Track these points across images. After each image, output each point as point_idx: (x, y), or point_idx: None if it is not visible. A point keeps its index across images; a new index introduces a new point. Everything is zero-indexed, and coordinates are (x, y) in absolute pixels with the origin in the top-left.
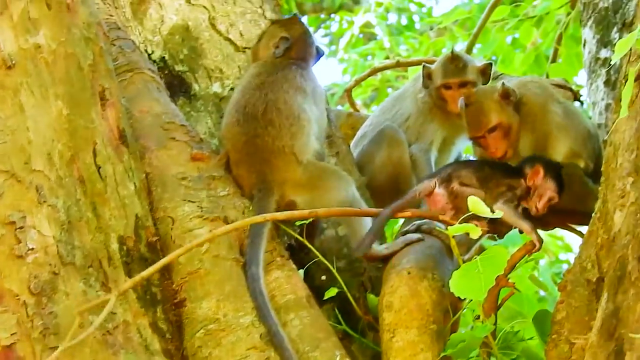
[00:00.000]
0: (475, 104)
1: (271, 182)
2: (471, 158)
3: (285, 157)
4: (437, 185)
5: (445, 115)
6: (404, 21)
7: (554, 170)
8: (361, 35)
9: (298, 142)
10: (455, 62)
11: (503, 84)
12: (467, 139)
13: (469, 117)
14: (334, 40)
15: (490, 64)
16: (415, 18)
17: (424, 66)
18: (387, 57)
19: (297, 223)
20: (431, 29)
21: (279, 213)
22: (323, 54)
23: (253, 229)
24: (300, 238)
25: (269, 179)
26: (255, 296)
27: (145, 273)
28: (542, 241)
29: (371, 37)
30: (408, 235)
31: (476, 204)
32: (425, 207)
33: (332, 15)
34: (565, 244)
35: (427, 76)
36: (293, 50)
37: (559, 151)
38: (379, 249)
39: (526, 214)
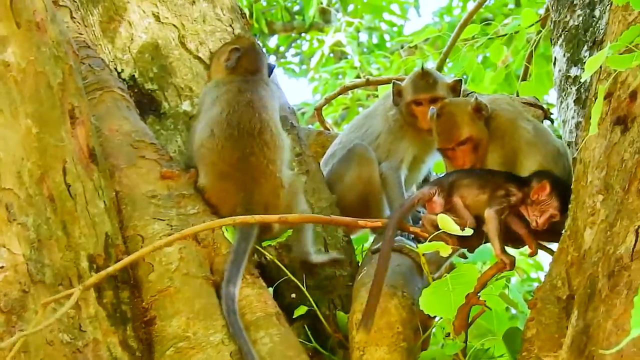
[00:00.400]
0: (447, 115)
1: (257, 204)
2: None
3: (274, 180)
4: (436, 193)
5: (416, 133)
6: (375, 40)
7: (561, 189)
8: (332, 55)
9: (283, 166)
10: (425, 78)
11: (476, 97)
12: (437, 156)
13: (440, 128)
14: (304, 60)
15: (460, 81)
16: (386, 37)
17: (394, 83)
18: (358, 76)
19: (265, 243)
20: (402, 47)
21: (249, 217)
22: (275, 66)
23: (236, 248)
24: (270, 256)
25: (256, 200)
26: (229, 315)
27: (111, 269)
28: (513, 261)
29: (342, 56)
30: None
31: (445, 221)
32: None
33: (303, 35)
34: (536, 262)
35: (397, 93)
36: (244, 59)
37: (528, 168)
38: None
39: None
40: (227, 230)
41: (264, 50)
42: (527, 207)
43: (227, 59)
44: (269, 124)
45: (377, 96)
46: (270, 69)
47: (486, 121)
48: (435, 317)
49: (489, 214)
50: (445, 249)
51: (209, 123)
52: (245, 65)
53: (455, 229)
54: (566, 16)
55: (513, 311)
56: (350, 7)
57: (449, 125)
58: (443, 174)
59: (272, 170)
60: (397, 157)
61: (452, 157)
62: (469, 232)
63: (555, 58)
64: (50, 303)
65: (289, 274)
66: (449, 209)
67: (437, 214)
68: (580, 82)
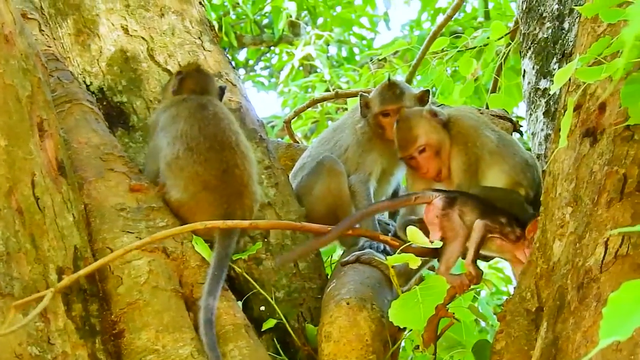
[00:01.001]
0: (404, 123)
1: (237, 219)
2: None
3: (251, 195)
4: (438, 197)
5: (384, 145)
6: (344, 53)
7: None
8: (301, 68)
9: (256, 181)
10: (392, 89)
11: (430, 105)
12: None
13: (398, 137)
14: (273, 73)
15: (428, 91)
16: (356, 50)
17: (361, 95)
18: (328, 90)
19: (236, 256)
20: (371, 60)
21: (219, 222)
22: (225, 88)
23: (216, 262)
24: (239, 269)
25: (238, 215)
26: (206, 326)
27: (82, 272)
28: (480, 274)
29: (311, 69)
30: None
31: (414, 234)
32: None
33: (272, 48)
34: (506, 276)
35: (365, 105)
36: (188, 81)
37: (492, 177)
38: None
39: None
40: (197, 243)
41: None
42: (525, 248)
43: (173, 84)
44: (241, 137)
45: (346, 109)
46: (221, 92)
47: (447, 127)
48: (404, 329)
49: (479, 224)
50: (414, 261)
51: (179, 138)
52: (191, 86)
53: (425, 241)
54: (535, 29)
55: (483, 324)
56: (320, 21)
57: (406, 133)
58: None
59: (250, 185)
60: (366, 170)
61: (416, 166)
62: (438, 244)
63: (524, 70)
64: (21, 308)
65: (257, 287)
66: (444, 215)
67: (430, 218)
68: (549, 95)
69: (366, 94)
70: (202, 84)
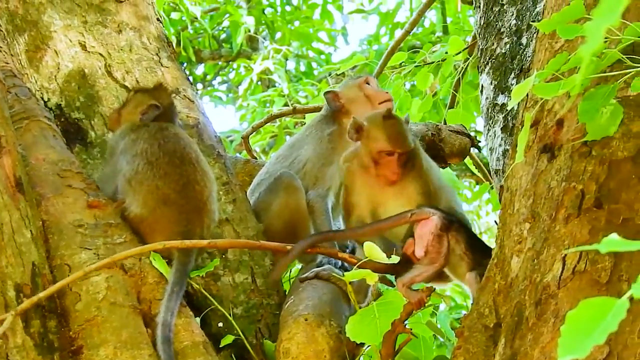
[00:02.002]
0: (398, 120)
1: (196, 236)
2: None
3: (210, 214)
4: (437, 216)
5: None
6: (303, 68)
7: None
8: (259, 83)
9: (215, 199)
10: (400, 129)
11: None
12: None
13: (394, 130)
14: (232, 88)
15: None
16: (314, 64)
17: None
18: (286, 104)
19: (193, 274)
20: (330, 75)
21: (177, 242)
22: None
23: (175, 279)
24: (197, 285)
25: (197, 233)
26: (164, 343)
27: (43, 294)
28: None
29: (270, 84)
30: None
31: (372, 249)
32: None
33: (230, 63)
34: (465, 291)
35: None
36: (162, 117)
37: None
38: None
39: None
40: (155, 260)
41: (191, 77)
42: None
43: (144, 112)
44: (201, 156)
45: (304, 124)
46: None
47: None
48: (362, 344)
49: (471, 277)
50: (371, 277)
51: (138, 155)
52: (162, 120)
53: (382, 257)
54: (493, 44)
55: (442, 339)
56: (278, 35)
57: (403, 130)
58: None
59: (210, 203)
60: (325, 185)
61: (389, 165)
62: (395, 259)
63: (482, 86)
64: None
65: (215, 303)
66: (439, 236)
67: (423, 235)
68: (507, 110)
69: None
70: (169, 118)
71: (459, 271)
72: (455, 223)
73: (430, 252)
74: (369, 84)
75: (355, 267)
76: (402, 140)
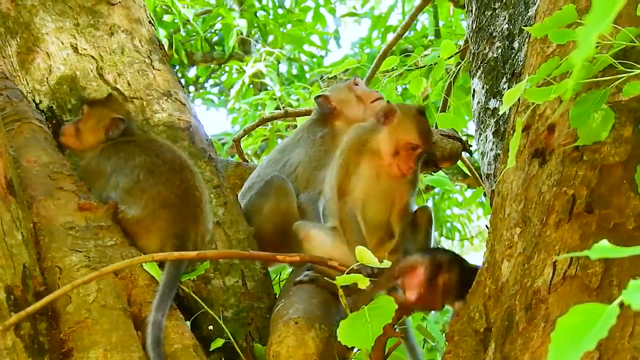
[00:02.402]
0: (427, 119)
1: (190, 243)
2: None
3: (205, 222)
4: (423, 268)
5: None
6: (295, 71)
7: None
8: (251, 86)
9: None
10: (428, 127)
11: None
12: None
13: (425, 127)
14: (224, 91)
15: None
16: (306, 68)
17: (388, 102)
18: (278, 107)
19: (184, 277)
20: (321, 78)
21: (167, 253)
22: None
23: (167, 281)
24: (187, 289)
25: (191, 239)
26: (154, 343)
27: (31, 308)
28: None
29: (262, 87)
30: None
31: (363, 254)
32: None
33: (223, 65)
34: None
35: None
36: (127, 130)
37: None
38: None
39: None
40: (146, 262)
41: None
42: None
43: (109, 127)
44: (193, 165)
45: (296, 127)
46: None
47: None
48: (352, 348)
49: (459, 305)
50: (363, 282)
51: (139, 167)
52: (127, 132)
53: (374, 262)
54: (485, 48)
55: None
56: (270, 38)
57: (430, 130)
58: (438, 248)
59: (206, 212)
60: (316, 188)
61: (408, 157)
62: (387, 264)
63: (473, 90)
64: None
65: (205, 306)
66: (429, 286)
67: (415, 283)
68: (498, 115)
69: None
70: (132, 125)
71: (450, 300)
72: (444, 263)
73: (424, 299)
74: (357, 85)
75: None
76: (429, 138)
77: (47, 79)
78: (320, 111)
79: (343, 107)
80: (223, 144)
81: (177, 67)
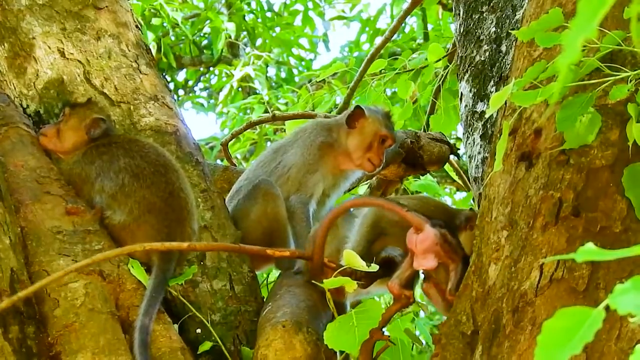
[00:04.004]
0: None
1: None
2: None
3: (191, 223)
4: (430, 224)
5: (328, 167)
6: (283, 74)
7: None
8: (240, 90)
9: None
10: (391, 121)
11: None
12: (340, 192)
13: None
14: (213, 94)
15: None
16: (295, 71)
17: (358, 106)
18: (266, 111)
19: (172, 282)
20: (310, 82)
21: (157, 243)
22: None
23: (154, 284)
24: (175, 292)
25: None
26: (142, 347)
27: (23, 293)
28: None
29: (250, 91)
30: None
31: (351, 256)
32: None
33: (211, 69)
34: None
35: (358, 115)
36: (107, 131)
37: None
38: None
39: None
40: (133, 267)
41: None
42: None
43: (90, 126)
44: (178, 165)
45: (284, 131)
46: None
47: None
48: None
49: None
50: (350, 285)
51: (123, 170)
52: (107, 135)
53: (362, 265)
54: (472, 51)
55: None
56: (259, 41)
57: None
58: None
59: (192, 213)
60: (308, 191)
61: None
62: (374, 268)
63: (461, 93)
64: None
65: (193, 310)
66: (444, 241)
67: (428, 245)
68: (486, 118)
69: (361, 106)
70: (113, 128)
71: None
72: (437, 223)
73: (450, 255)
74: (385, 141)
75: (335, 273)
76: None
77: (34, 83)
78: (339, 119)
79: (357, 136)
80: (211, 149)
81: (166, 71)
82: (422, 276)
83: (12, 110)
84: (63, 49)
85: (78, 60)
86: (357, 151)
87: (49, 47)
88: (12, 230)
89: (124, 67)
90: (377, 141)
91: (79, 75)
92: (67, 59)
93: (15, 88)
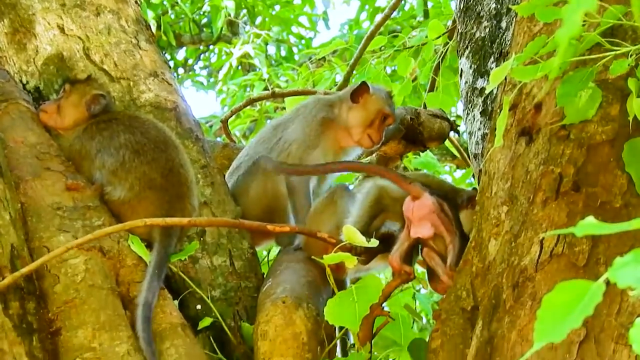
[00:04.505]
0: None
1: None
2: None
3: (191, 199)
4: (428, 192)
5: (329, 144)
6: (283, 52)
7: None
8: (240, 67)
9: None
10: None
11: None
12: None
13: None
14: (212, 72)
15: None
16: (294, 49)
17: (364, 82)
18: (266, 89)
19: (174, 258)
20: (310, 60)
21: (159, 219)
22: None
23: (156, 260)
24: (175, 268)
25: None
26: (144, 324)
27: (25, 269)
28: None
29: (250, 69)
30: None
31: (351, 232)
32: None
33: (211, 47)
34: None
35: (362, 91)
36: (108, 108)
37: None
38: None
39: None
40: (133, 242)
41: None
42: None
43: (90, 102)
44: (178, 141)
45: (284, 108)
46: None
47: None
48: (341, 327)
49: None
50: (351, 260)
51: (124, 147)
52: (107, 112)
53: (362, 241)
54: (472, 28)
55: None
56: (259, 20)
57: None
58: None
59: (192, 189)
60: None
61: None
62: (374, 243)
63: (461, 70)
64: None
65: (193, 286)
66: (441, 210)
67: (425, 214)
68: (486, 94)
69: (367, 82)
70: (112, 104)
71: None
72: (435, 192)
73: (446, 226)
74: (388, 117)
75: (335, 248)
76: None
77: (34, 59)
78: (342, 94)
79: (359, 112)
80: (210, 127)
81: (166, 49)
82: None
83: (11, 86)
84: (63, 25)
85: (78, 36)
86: (358, 126)
87: (49, 23)
88: (12, 207)
89: (124, 43)
90: (379, 119)
91: (78, 51)
92: (67, 35)
93: (15, 64)
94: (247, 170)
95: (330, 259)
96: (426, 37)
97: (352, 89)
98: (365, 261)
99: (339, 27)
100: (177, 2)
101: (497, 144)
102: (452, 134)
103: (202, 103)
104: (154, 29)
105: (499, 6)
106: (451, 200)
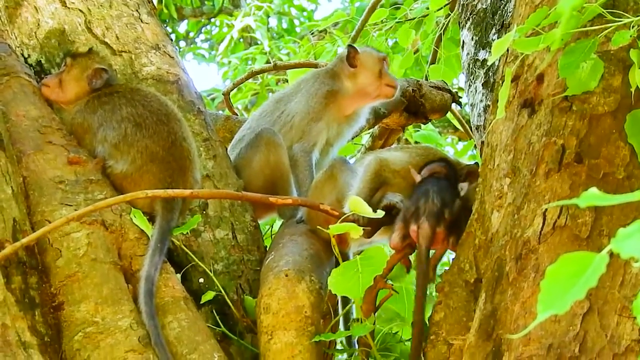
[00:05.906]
0: None
1: (177, 198)
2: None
3: (193, 173)
4: (426, 224)
5: (333, 116)
6: (285, 25)
7: None
8: (241, 40)
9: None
10: None
11: None
12: (344, 141)
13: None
14: (214, 45)
15: None
16: (296, 22)
17: (350, 46)
18: (268, 61)
19: (176, 232)
20: (311, 32)
21: (160, 190)
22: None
23: (159, 234)
24: (178, 242)
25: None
26: (147, 298)
27: (25, 240)
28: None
29: (252, 41)
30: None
31: (357, 202)
32: None
33: (212, 20)
34: None
35: (354, 55)
36: (108, 81)
37: None
38: None
39: None
40: (135, 216)
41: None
42: None
43: (93, 76)
44: (180, 113)
45: (286, 81)
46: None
47: None
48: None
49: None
50: (356, 231)
51: (126, 120)
52: (109, 85)
53: (368, 212)
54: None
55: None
56: None
57: None
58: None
59: (195, 162)
60: (311, 140)
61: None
62: (380, 214)
63: (463, 42)
64: None
65: (196, 259)
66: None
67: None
68: (488, 66)
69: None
70: (115, 77)
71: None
72: (443, 214)
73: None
74: (386, 63)
75: (340, 220)
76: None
77: (35, 33)
78: (336, 65)
79: (363, 71)
80: (212, 100)
81: (167, 22)
82: None
83: (13, 60)
84: None
85: (79, 10)
86: (371, 84)
87: None
88: (14, 180)
89: (125, 16)
90: (382, 66)
91: (80, 25)
92: (68, 8)
93: (16, 38)
94: (250, 143)
95: (336, 229)
96: (428, 9)
97: (344, 57)
98: (370, 233)
99: None
100: None
101: (500, 115)
102: (454, 105)
103: (203, 76)
104: (155, 1)
105: None
106: (453, 175)
